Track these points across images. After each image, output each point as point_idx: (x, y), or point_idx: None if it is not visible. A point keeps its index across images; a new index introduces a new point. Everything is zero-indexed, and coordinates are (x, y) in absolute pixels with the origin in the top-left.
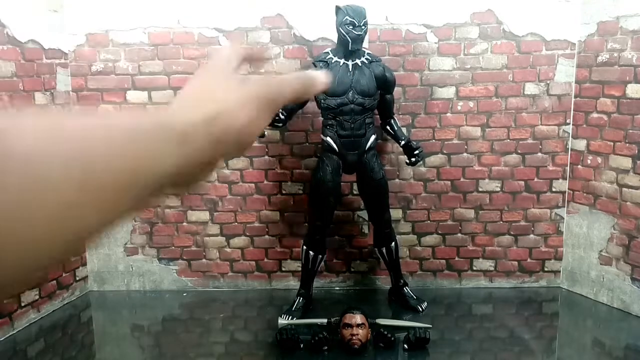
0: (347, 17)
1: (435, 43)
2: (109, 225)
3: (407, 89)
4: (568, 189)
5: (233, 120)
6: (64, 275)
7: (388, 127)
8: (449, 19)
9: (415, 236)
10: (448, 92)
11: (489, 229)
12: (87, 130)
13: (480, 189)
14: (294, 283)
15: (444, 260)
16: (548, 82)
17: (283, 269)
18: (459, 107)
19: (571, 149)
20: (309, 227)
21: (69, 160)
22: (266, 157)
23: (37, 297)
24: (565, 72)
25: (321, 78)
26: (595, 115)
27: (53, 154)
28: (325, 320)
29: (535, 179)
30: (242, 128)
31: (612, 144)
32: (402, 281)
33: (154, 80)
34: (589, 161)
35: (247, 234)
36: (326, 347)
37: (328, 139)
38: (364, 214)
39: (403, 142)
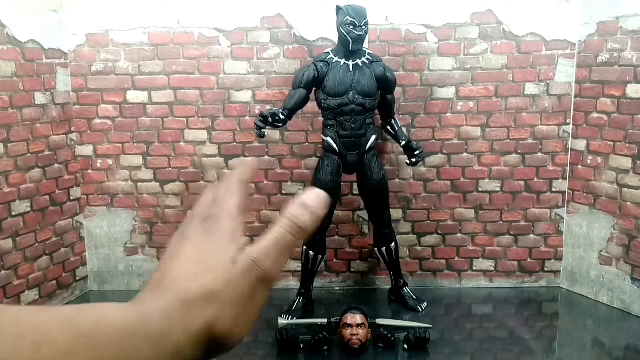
0: (347, 17)
1: (435, 43)
2: None
3: (407, 89)
4: (568, 189)
5: (225, 318)
6: (64, 275)
7: (389, 127)
8: (449, 19)
9: (415, 236)
10: (448, 92)
11: (489, 229)
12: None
13: (480, 189)
14: (294, 283)
15: (444, 260)
16: (548, 82)
17: (283, 268)
18: (459, 107)
19: (571, 149)
20: None
21: None
22: (266, 157)
23: (37, 297)
24: (565, 72)
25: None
26: (595, 115)
27: None
28: (325, 320)
29: (535, 179)
30: (233, 327)
31: (612, 144)
32: (402, 281)
33: (154, 80)
34: (589, 161)
35: (247, 234)
36: (326, 347)
37: (328, 139)
38: (364, 214)
39: (403, 143)
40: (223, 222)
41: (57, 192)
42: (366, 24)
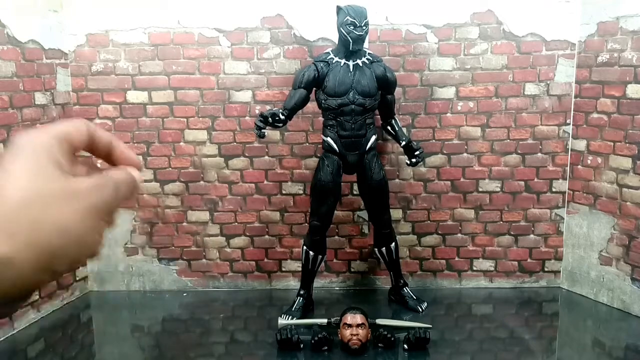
0: (348, 17)
1: (436, 43)
2: None
3: (407, 89)
4: (568, 189)
5: (66, 244)
6: (63, 275)
7: (389, 128)
8: (449, 19)
9: (415, 236)
10: (448, 92)
11: (489, 229)
12: None
13: (480, 189)
14: (294, 283)
15: (444, 261)
16: (548, 82)
17: (283, 269)
18: (459, 107)
19: (571, 149)
20: (309, 228)
21: None
22: (266, 157)
23: (37, 297)
24: (566, 73)
25: (138, 178)
26: (595, 115)
27: None
28: (325, 320)
29: (535, 179)
30: (77, 250)
31: (612, 144)
32: (402, 281)
33: (154, 80)
34: (589, 161)
35: (247, 234)
36: (326, 347)
37: (328, 139)
38: (364, 214)
39: (404, 143)
40: (61, 152)
41: None
42: (366, 24)
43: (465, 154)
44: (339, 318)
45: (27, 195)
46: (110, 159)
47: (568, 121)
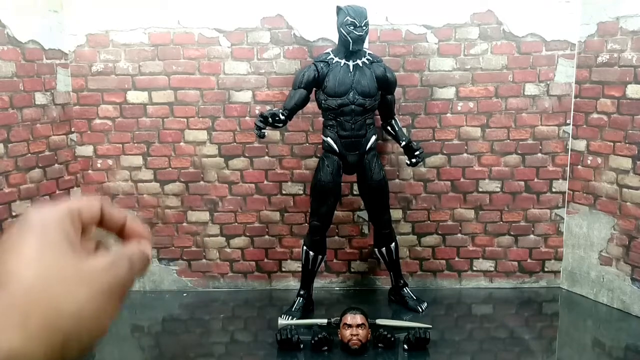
0: (348, 17)
1: (436, 43)
2: None
3: (407, 89)
4: (568, 189)
5: (79, 328)
6: None
7: (389, 128)
8: (449, 20)
9: (415, 236)
10: (448, 92)
11: (489, 229)
12: None
13: (480, 189)
14: (294, 283)
15: (444, 261)
16: (548, 82)
17: (283, 269)
18: (459, 108)
19: (571, 150)
20: (309, 228)
21: None
22: (266, 157)
23: None
24: (565, 73)
25: (149, 251)
26: (595, 115)
27: None
28: (325, 321)
29: (535, 180)
30: (89, 334)
31: (612, 144)
32: (402, 281)
33: (154, 80)
34: (589, 161)
35: (247, 234)
36: (326, 347)
37: (328, 139)
38: (364, 214)
39: (404, 143)
40: (72, 229)
41: (57, 192)
42: (366, 25)
43: (465, 154)
44: (339, 318)
45: (40, 277)
46: (121, 233)
47: (568, 121)
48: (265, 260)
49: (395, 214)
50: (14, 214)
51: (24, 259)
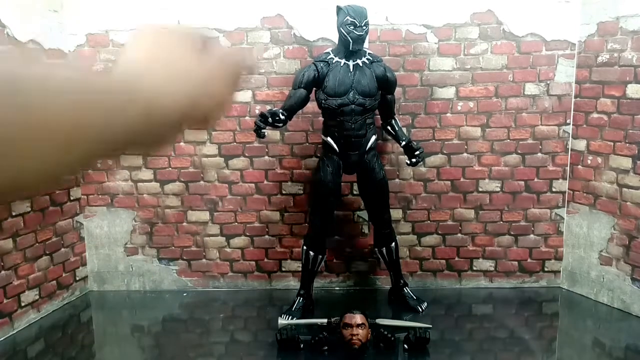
0: (348, 17)
1: (436, 43)
2: (82, 165)
3: (407, 89)
4: (568, 189)
5: (203, 94)
6: (64, 275)
7: (389, 128)
8: (449, 19)
9: (415, 236)
10: (448, 92)
11: (489, 229)
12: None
13: (480, 189)
14: (294, 283)
15: (444, 261)
16: (548, 82)
17: (283, 269)
18: (459, 107)
19: (571, 149)
20: (309, 228)
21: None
22: (266, 157)
23: (37, 297)
24: (565, 73)
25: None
26: (595, 115)
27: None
28: (325, 320)
29: (535, 179)
30: (211, 102)
31: (612, 144)
32: (402, 281)
33: None
34: (589, 161)
35: (247, 234)
36: (326, 347)
37: (329, 139)
38: (364, 214)
39: (404, 143)
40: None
41: (57, 192)
42: (366, 24)
43: (465, 154)
44: (339, 318)
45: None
46: None
47: (568, 121)
48: (265, 260)
49: (395, 213)
50: (14, 214)
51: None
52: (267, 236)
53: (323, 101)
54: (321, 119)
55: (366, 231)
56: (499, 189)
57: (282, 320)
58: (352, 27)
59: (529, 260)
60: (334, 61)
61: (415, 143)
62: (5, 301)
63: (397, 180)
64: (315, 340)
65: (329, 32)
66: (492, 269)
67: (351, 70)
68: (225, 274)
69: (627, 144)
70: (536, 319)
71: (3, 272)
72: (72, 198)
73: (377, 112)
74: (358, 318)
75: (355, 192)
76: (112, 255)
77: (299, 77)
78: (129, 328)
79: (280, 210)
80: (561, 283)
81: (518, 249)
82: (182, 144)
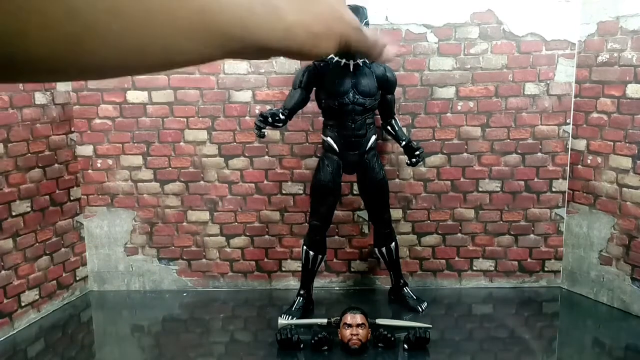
0: None
1: (435, 43)
2: (190, 58)
3: (407, 89)
4: (568, 189)
5: (334, 20)
6: (64, 275)
7: (389, 127)
8: (449, 19)
9: (415, 236)
10: (448, 92)
11: (489, 229)
12: None
13: (480, 189)
14: (294, 283)
15: (444, 260)
16: (548, 82)
17: (283, 269)
18: (459, 107)
19: (571, 149)
20: (309, 227)
21: None
22: (266, 157)
23: (37, 297)
24: (565, 72)
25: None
26: (595, 115)
27: None
28: (325, 320)
29: (535, 179)
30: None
31: (612, 144)
32: (402, 281)
33: (154, 80)
34: (589, 161)
35: (247, 234)
36: (326, 347)
37: (329, 139)
38: (364, 214)
39: (404, 143)
40: None
41: (57, 192)
42: (367, 24)
43: (465, 154)
44: (339, 318)
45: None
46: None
47: (568, 121)
48: (265, 260)
49: (395, 213)
50: (13, 214)
51: None
52: (267, 236)
53: (323, 101)
54: (321, 118)
55: (366, 231)
56: (499, 189)
57: (282, 320)
58: None
59: (529, 260)
60: (333, 61)
61: (415, 143)
62: (5, 301)
63: (397, 180)
64: (315, 340)
65: None
66: (492, 268)
67: (351, 70)
68: (225, 274)
69: (627, 144)
70: (536, 318)
71: (3, 272)
72: (72, 198)
73: (377, 112)
74: (358, 318)
75: (355, 192)
76: (112, 255)
77: (298, 77)
78: (129, 328)
79: (280, 210)
80: (561, 283)
81: (518, 248)
82: (182, 144)
